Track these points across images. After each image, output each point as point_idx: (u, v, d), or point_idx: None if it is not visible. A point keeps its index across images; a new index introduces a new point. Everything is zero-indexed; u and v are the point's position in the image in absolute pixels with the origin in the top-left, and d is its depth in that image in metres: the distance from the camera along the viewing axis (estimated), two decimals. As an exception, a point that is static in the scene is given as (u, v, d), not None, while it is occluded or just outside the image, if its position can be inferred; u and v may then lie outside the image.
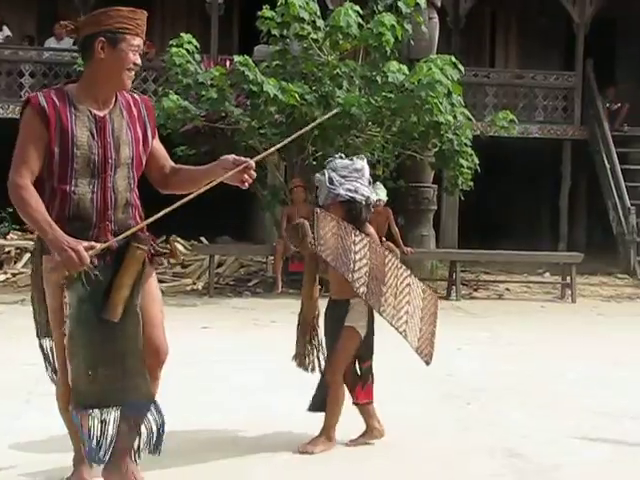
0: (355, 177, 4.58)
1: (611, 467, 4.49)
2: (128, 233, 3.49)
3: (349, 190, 4.52)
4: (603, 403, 5.84)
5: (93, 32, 3.45)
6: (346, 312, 4.60)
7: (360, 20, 11.17)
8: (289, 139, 3.94)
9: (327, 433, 4.63)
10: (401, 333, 4.30)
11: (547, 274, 13.90)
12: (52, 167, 3.45)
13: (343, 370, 4.67)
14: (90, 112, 3.51)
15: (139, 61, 3.53)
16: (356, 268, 4.20)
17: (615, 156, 15.85)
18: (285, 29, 11.12)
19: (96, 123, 3.51)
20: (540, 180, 19.67)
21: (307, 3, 11.08)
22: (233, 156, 3.63)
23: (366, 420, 4.75)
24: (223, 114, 11.70)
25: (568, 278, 11.84)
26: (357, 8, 11.23)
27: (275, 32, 11.11)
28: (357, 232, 4.18)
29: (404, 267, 4.43)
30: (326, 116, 5.24)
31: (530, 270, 14.10)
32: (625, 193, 15.22)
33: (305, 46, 11.38)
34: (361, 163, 4.65)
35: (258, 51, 13.47)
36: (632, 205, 14.95)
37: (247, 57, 11.10)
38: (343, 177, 4.56)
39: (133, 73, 3.55)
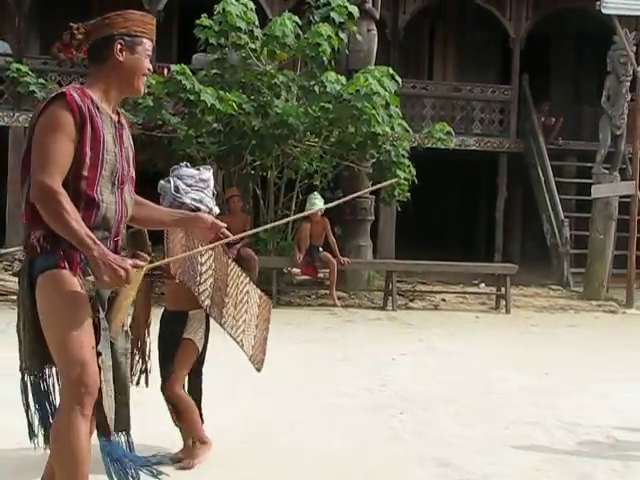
0: (201, 187, 4.43)
1: (539, 475, 4.53)
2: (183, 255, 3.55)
3: (194, 200, 4.37)
4: (533, 413, 5.90)
5: (109, 34, 3.29)
6: (184, 324, 4.45)
7: (298, 30, 11.19)
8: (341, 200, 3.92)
9: (198, 439, 4.51)
10: (238, 343, 4.18)
11: (482, 285, 14.02)
12: (81, 171, 3.17)
13: (181, 383, 4.52)
14: (110, 117, 3.31)
15: (151, 67, 3.42)
16: (202, 280, 4.05)
17: (550, 169, 16.07)
18: (223, 38, 11.10)
19: (115, 129, 3.33)
20: (476, 192, 19.92)
21: (245, 12, 11.07)
22: (212, 219, 3.59)
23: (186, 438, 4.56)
24: (160, 122, 11.61)
25: (503, 289, 11.96)
26: (295, 18, 11.26)
27: (213, 41, 11.08)
28: (203, 243, 3.93)
29: (244, 274, 4.31)
30: (385, 184, 5.15)
31: (466, 281, 14.22)
32: (559, 205, 15.45)
33: (243, 55, 11.37)
34: (207, 174, 4.51)
35: (196, 60, 13.41)
36: (565, 217, 15.19)
37: (184, 66, 11.05)
38: (189, 186, 4.39)
39: (145, 79, 3.42)
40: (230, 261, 4.22)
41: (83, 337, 3.13)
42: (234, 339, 4.12)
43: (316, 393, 6.31)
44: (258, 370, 4.26)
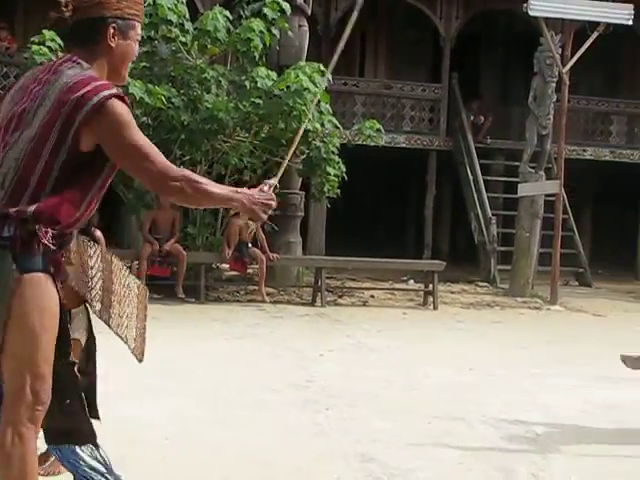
0: None
1: (461, 469, 4.59)
2: None
3: None
4: (457, 408, 5.98)
5: (101, 16, 2.97)
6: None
7: (229, 25, 11.13)
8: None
9: None
10: (122, 339, 4.10)
11: (411, 281, 14.15)
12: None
13: None
14: None
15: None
16: (93, 285, 3.95)
17: (478, 167, 16.31)
18: (153, 30, 10.98)
19: None
20: (406, 189, 20.09)
21: (176, 5, 10.97)
22: None
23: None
24: (87, 115, 11.41)
25: (430, 285, 12.09)
26: (227, 13, 11.19)
27: (142, 33, 10.90)
28: (91, 243, 3.61)
29: (125, 267, 4.18)
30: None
31: (395, 277, 14.34)
32: (487, 203, 15.68)
33: (173, 49, 11.26)
34: None
35: (125, 52, 13.22)
36: (493, 215, 15.42)
37: (113, 57, 10.87)
38: None
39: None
40: (113, 257, 4.07)
41: (50, 351, 2.93)
42: (119, 336, 3.98)
43: (243, 389, 6.29)
44: (140, 361, 4.16)
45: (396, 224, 20.75)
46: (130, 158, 2.93)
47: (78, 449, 3.27)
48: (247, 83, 11.07)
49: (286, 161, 3.76)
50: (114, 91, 2.90)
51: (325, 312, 11.02)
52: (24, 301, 2.85)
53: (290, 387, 6.46)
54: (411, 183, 19.85)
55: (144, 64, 11.35)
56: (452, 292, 13.58)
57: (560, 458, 4.87)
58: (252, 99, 11.08)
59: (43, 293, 2.89)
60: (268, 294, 11.66)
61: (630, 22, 12.74)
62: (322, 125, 11.64)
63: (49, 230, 2.87)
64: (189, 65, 11.34)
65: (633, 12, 12.66)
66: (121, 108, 2.89)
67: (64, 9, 2.97)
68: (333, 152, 11.82)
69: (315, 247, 15.80)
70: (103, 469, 3.30)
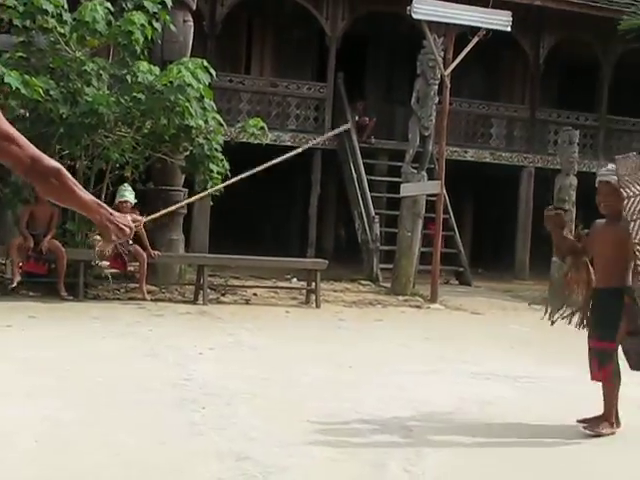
0: None
1: (335, 466, 4.60)
2: None
3: None
4: (334, 406, 6.00)
5: None
6: None
7: (110, 17, 10.91)
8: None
9: None
10: None
11: (295, 280, 14.17)
12: None
13: None
14: None
15: None
16: None
17: (362, 167, 16.49)
18: (29, 20, 10.66)
19: None
20: (291, 188, 20.13)
21: (53, -5, 10.68)
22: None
23: None
24: (-39, 105, 11.02)
25: (313, 284, 12.13)
26: (107, 4, 10.96)
27: (18, 22, 10.62)
28: None
29: None
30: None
31: (279, 276, 14.34)
32: (370, 203, 15.87)
33: (52, 40, 10.96)
34: None
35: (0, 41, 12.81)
36: (376, 214, 15.61)
37: (-13, 46, 10.55)
38: None
39: None
40: None
41: None
42: None
43: (119, 389, 6.17)
44: None
45: (281, 223, 20.78)
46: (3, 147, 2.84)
47: None
48: (128, 77, 10.87)
49: (162, 212, 3.76)
50: None
51: (207, 310, 10.93)
52: None
53: (167, 386, 6.37)
54: (296, 182, 19.90)
55: (20, 54, 11.03)
56: (335, 290, 13.65)
57: (432, 453, 4.95)
58: (134, 94, 10.89)
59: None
60: (149, 292, 11.48)
61: (509, 28, 13.06)
62: (206, 122, 11.54)
63: None
64: (68, 57, 11.06)
65: (511, 19, 12.99)
66: None
67: None
68: (217, 149, 11.73)
69: (198, 245, 15.68)
70: None
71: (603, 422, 5.46)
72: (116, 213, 3.11)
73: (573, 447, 5.25)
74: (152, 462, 4.48)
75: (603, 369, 5.45)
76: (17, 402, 5.46)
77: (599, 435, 5.39)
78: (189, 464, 4.50)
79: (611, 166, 5.64)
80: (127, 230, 3.12)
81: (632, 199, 5.38)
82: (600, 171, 5.72)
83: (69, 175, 2.98)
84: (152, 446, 4.78)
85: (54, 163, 2.94)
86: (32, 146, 2.87)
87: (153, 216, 3.49)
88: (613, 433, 5.47)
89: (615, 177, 5.46)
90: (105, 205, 3.09)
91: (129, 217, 3.20)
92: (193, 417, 5.50)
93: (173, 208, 3.77)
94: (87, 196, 3.04)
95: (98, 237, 3.30)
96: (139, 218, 3.31)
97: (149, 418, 5.40)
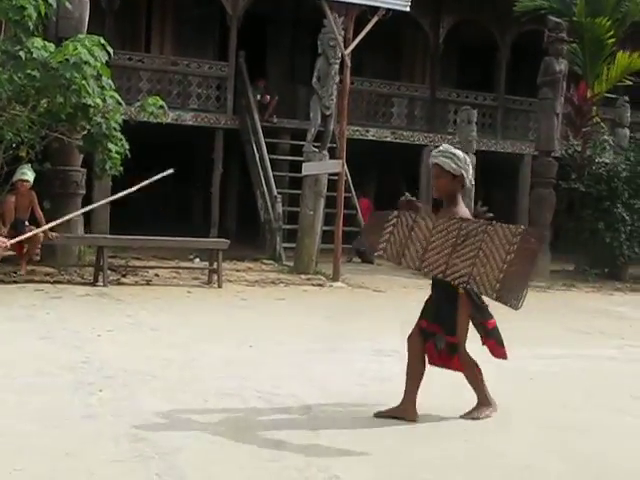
0: None
1: (230, 446, 4.61)
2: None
3: None
4: (233, 385, 6.02)
5: None
6: None
7: (2, -9, 10.58)
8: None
9: None
10: None
11: (197, 260, 14.08)
12: None
13: None
14: None
15: None
16: None
17: (264, 146, 16.43)
18: None
19: None
20: (193, 167, 19.96)
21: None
22: None
23: None
24: None
25: (215, 264, 12.07)
26: (-2, -21, 10.63)
27: None
28: None
29: None
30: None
31: (181, 256, 14.23)
32: (272, 182, 15.84)
33: None
34: None
35: None
36: (279, 194, 15.60)
37: None
38: None
39: None
40: None
41: None
42: None
43: (11, 373, 6.04)
44: None
45: (184, 203, 20.60)
46: None
47: None
48: (22, 54, 10.54)
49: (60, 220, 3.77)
50: None
51: (107, 292, 10.77)
52: None
53: (63, 369, 6.27)
54: (198, 161, 19.75)
55: None
56: (238, 270, 13.63)
57: (330, 430, 5.01)
58: (28, 71, 10.58)
59: None
60: (48, 274, 11.27)
61: (407, 9, 13.17)
62: (104, 100, 11.29)
63: None
64: (-44, 33, 10.69)
65: (410, -1, 13.10)
66: None
67: None
68: (115, 128, 11.50)
69: (99, 226, 15.41)
70: None
71: (480, 408, 5.46)
72: None
73: (469, 425, 5.39)
74: (45, 447, 4.41)
75: (455, 358, 5.43)
76: None
77: (476, 419, 5.38)
78: (85, 447, 4.45)
79: (444, 146, 5.55)
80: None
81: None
82: (433, 152, 5.50)
83: None
84: (47, 430, 4.71)
85: None
86: None
87: (19, 239, 3.55)
88: (489, 416, 5.44)
89: (445, 159, 5.30)
90: None
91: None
92: (89, 400, 5.43)
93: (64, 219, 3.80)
94: None
95: None
96: (4, 240, 3.33)
97: (42, 403, 5.31)
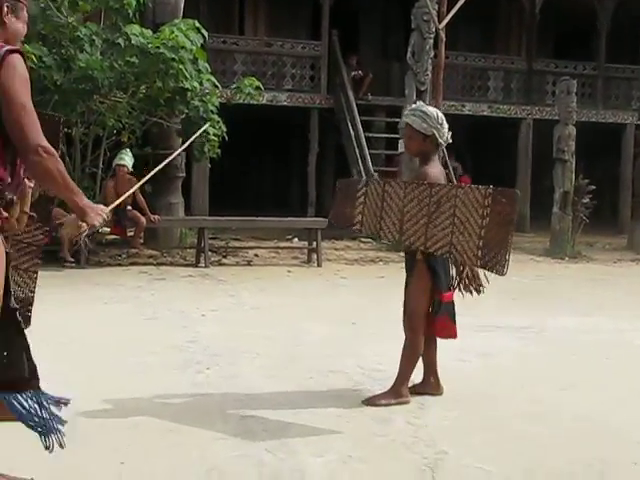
0: None
1: (340, 421, 4.64)
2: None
3: None
4: (337, 362, 6.05)
5: None
6: None
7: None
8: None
9: None
10: None
11: (296, 240, 14.19)
12: None
13: None
14: None
15: None
16: None
17: (359, 124, 16.39)
18: (19, -14, 10.54)
19: None
20: (290, 148, 20.08)
21: (42, -40, 10.57)
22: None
23: None
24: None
25: (314, 243, 12.14)
26: (98, -31, 10.87)
27: (8, -11, 10.50)
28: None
29: None
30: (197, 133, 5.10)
31: (280, 236, 14.35)
32: (369, 160, 15.81)
33: (42, 6, 10.86)
34: None
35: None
36: (375, 171, 15.56)
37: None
38: None
39: None
40: None
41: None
42: None
43: (121, 353, 6.20)
44: None
45: (281, 183, 20.75)
46: (16, 113, 3.14)
47: (20, 396, 3.38)
48: (121, 41, 10.78)
49: (126, 195, 3.89)
50: (16, 47, 3.24)
51: (209, 273, 10.95)
52: None
53: (171, 348, 6.41)
54: (294, 141, 19.84)
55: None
56: (336, 249, 13.68)
57: (435, 406, 4.99)
58: (127, 58, 10.82)
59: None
60: (151, 257, 11.53)
61: (503, -21, 12.92)
62: (201, 84, 11.48)
63: None
64: (60, 23, 10.96)
65: (506, -32, 12.84)
66: (21, 63, 3.22)
67: None
68: (212, 111, 11.67)
69: (198, 208, 15.67)
70: (45, 414, 3.41)
71: (388, 394, 5.07)
72: (91, 204, 3.41)
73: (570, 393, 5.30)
74: (153, 424, 4.51)
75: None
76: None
77: (377, 405, 4.99)
78: (194, 423, 4.53)
79: (416, 104, 5.33)
80: (103, 215, 3.44)
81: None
82: (405, 111, 5.28)
83: (60, 162, 3.22)
84: (157, 407, 4.82)
85: (50, 147, 3.17)
86: (36, 123, 3.15)
87: (114, 205, 4.01)
88: (390, 404, 5.00)
89: (415, 117, 5.01)
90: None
91: (101, 206, 3.48)
92: (197, 378, 5.54)
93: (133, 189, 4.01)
94: (73, 184, 3.32)
95: (79, 222, 3.43)
96: (103, 209, 3.53)
97: (152, 381, 5.43)
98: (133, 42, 10.70)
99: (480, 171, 20.05)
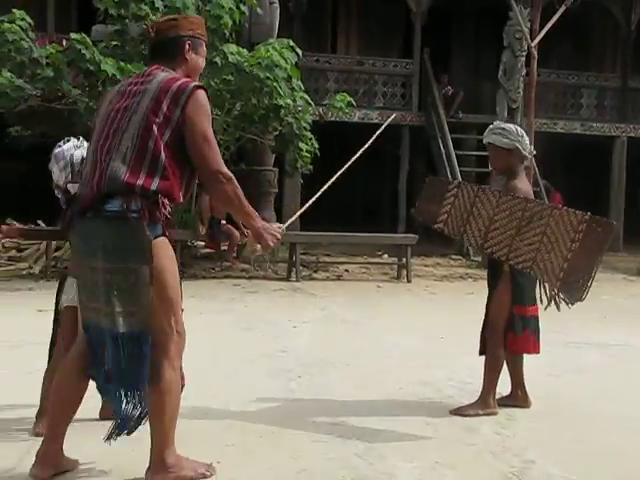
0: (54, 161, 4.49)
1: (428, 429, 4.74)
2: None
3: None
4: (426, 374, 6.14)
5: (179, 35, 3.71)
6: None
7: (199, 2, 11.16)
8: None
9: None
10: None
11: (385, 256, 14.31)
12: None
13: None
14: None
15: None
16: None
17: (450, 142, 16.46)
18: (123, 9, 10.99)
19: None
20: (381, 165, 20.20)
21: (146, -18, 10.97)
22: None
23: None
24: (60, 94, 11.45)
25: (404, 259, 12.24)
26: (196, -11, 11.23)
27: (113, 12, 10.96)
28: None
29: None
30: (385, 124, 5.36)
31: (369, 252, 14.49)
32: (459, 178, 15.81)
33: (144, 27, 11.25)
34: (58, 149, 4.44)
35: (96, 31, 13.18)
36: (466, 189, 15.54)
37: (84, 35, 10.91)
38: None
39: None
40: None
41: (179, 296, 3.72)
42: None
43: (217, 359, 6.42)
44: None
45: (371, 200, 20.88)
46: (199, 143, 3.52)
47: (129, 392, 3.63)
48: (218, 60, 11.09)
49: (300, 211, 4.52)
50: (200, 84, 3.62)
51: (300, 286, 11.16)
52: (159, 259, 3.51)
53: (264, 357, 6.60)
54: (385, 159, 19.94)
55: (115, 42, 11.39)
56: (426, 265, 13.76)
57: (523, 417, 5.04)
58: (224, 76, 11.13)
59: (168, 251, 3.60)
60: (243, 270, 11.76)
61: (597, -5, 12.86)
62: (294, 101, 11.72)
63: (167, 203, 3.53)
64: (161, 43, 11.32)
65: (600, -15, 12.78)
66: (205, 99, 3.58)
67: (150, 31, 3.74)
68: (305, 128, 11.92)
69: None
70: (135, 413, 3.66)
71: (476, 405, 5.14)
72: (267, 224, 3.75)
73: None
74: (249, 426, 4.68)
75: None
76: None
77: (466, 415, 5.05)
78: (285, 427, 4.69)
79: (495, 123, 5.38)
80: (278, 236, 3.80)
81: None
82: (485, 134, 5.23)
83: (237, 187, 3.57)
84: (250, 410, 5.00)
85: (229, 173, 3.55)
86: (216, 151, 3.54)
87: (290, 221, 4.34)
88: (479, 415, 5.07)
89: (496, 135, 5.07)
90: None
91: (275, 225, 3.84)
92: (289, 385, 5.71)
93: (303, 209, 4.31)
94: (249, 206, 3.67)
95: (255, 244, 3.81)
96: (283, 226, 3.92)
97: (249, 386, 5.62)
98: (230, 60, 11.01)
99: (573, 189, 19.87)
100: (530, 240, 4.72)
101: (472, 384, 5.70)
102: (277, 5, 13.34)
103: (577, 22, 17.01)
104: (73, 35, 10.95)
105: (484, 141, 5.24)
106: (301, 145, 11.83)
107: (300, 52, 11.75)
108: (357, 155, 4.80)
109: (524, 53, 13.88)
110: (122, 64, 10.73)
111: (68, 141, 4.52)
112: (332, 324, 8.42)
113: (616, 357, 7.09)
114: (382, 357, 6.80)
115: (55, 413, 3.74)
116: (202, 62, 3.81)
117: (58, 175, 4.38)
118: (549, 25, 12.84)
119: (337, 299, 10.14)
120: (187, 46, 3.71)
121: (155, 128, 3.47)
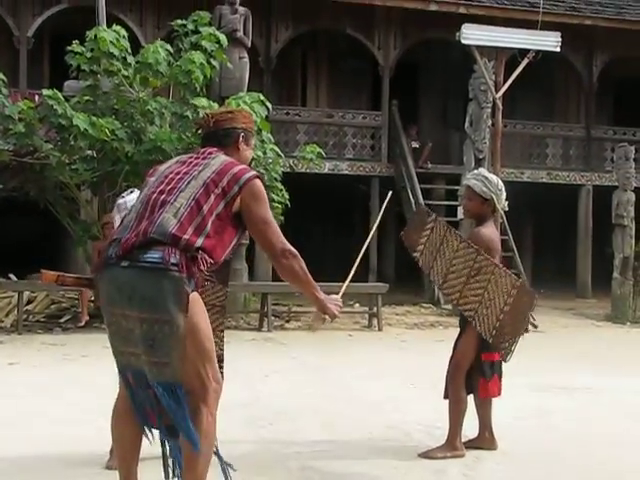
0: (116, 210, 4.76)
1: (396, 473, 4.83)
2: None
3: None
4: (395, 418, 6.24)
5: (234, 127, 4.00)
6: None
7: (170, 57, 11.38)
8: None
9: None
10: None
11: (357, 305, 14.41)
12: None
13: None
14: None
15: None
16: None
17: (419, 192, 16.69)
18: (95, 65, 11.18)
19: None
20: (351, 215, 20.42)
21: (117, 39, 11.18)
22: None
23: None
24: (32, 148, 11.58)
25: (375, 308, 12.37)
26: (167, 46, 11.44)
27: (85, 67, 11.15)
28: None
29: None
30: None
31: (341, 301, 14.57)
32: (428, 227, 16.02)
33: (116, 82, 11.46)
34: (121, 200, 4.81)
35: (68, 86, 13.36)
36: (435, 238, 15.74)
37: (56, 91, 11.07)
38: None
39: None
40: None
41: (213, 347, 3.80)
42: None
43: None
44: None
45: (342, 250, 21.02)
46: (260, 228, 3.82)
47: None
48: (189, 114, 11.30)
49: (349, 279, 4.66)
50: (257, 173, 3.85)
51: (272, 336, 11.24)
52: (194, 314, 3.63)
53: (236, 406, 6.63)
54: (355, 209, 20.19)
55: (87, 97, 11.56)
56: (397, 314, 13.88)
57: (490, 459, 5.15)
58: (194, 129, 11.29)
59: (201, 307, 3.72)
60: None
61: (558, 49, 13.26)
62: (264, 153, 11.91)
63: (208, 260, 3.66)
64: (132, 98, 11.54)
65: (560, 39, 13.17)
66: (261, 187, 3.84)
67: (208, 121, 4.01)
68: (276, 179, 12.09)
69: (262, 273, 16.01)
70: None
71: (443, 448, 5.24)
72: (327, 296, 3.99)
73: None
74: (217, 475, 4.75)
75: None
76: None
77: (432, 458, 5.16)
78: (260, 474, 4.77)
79: (478, 170, 5.57)
80: (339, 304, 4.05)
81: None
82: (467, 174, 5.57)
83: (301, 259, 3.84)
84: (225, 458, 5.05)
85: (293, 250, 3.84)
86: (277, 231, 3.83)
87: (342, 291, 4.37)
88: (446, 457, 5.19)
89: (477, 181, 5.26)
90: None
91: (333, 295, 4.05)
92: (261, 432, 5.79)
93: (349, 279, 4.52)
94: (312, 281, 3.89)
95: (323, 315, 4.00)
96: (339, 296, 4.12)
97: (220, 432, 5.66)
98: (200, 114, 11.19)
99: (541, 237, 20.18)
100: (475, 292, 4.94)
101: (440, 428, 5.79)
102: (247, 60, 13.59)
103: (541, 74, 17.42)
104: (45, 91, 11.11)
105: (463, 182, 5.43)
106: (272, 196, 11.98)
107: (270, 105, 11.97)
108: (377, 221, 5.14)
109: (489, 105, 14.19)
110: (94, 119, 10.89)
111: (132, 192, 4.74)
112: (303, 372, 8.51)
113: (581, 401, 7.23)
114: (352, 403, 6.89)
115: (119, 453, 3.94)
116: (250, 153, 4.11)
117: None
118: (513, 77, 13.19)
119: (309, 348, 10.22)
120: (240, 138, 4.00)
121: (212, 196, 3.68)
